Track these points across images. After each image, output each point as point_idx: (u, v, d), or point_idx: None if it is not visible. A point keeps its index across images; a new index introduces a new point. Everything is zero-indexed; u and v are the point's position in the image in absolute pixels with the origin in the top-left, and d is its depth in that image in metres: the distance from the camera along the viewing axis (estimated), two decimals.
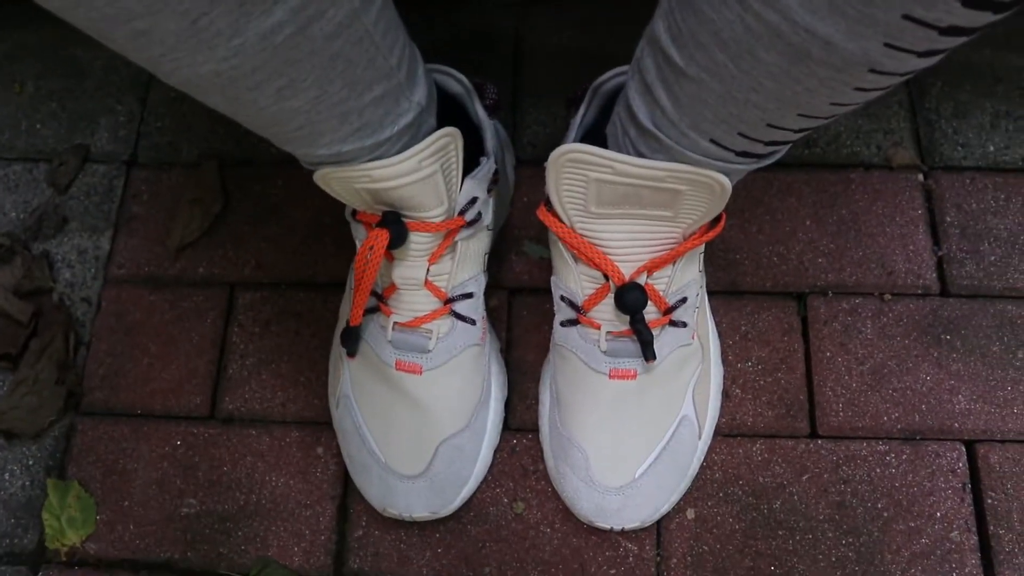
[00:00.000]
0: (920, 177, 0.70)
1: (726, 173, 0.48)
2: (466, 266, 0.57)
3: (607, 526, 0.57)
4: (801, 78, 0.37)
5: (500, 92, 0.62)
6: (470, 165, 0.57)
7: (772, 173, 0.70)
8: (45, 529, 0.62)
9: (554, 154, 0.49)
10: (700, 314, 0.59)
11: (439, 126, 0.51)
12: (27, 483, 0.64)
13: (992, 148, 0.71)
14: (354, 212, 0.56)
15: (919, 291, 0.66)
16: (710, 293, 0.65)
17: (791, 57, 0.36)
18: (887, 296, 0.66)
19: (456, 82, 0.59)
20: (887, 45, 0.33)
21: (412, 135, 0.50)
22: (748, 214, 0.69)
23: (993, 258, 0.67)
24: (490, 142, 0.60)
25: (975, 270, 0.66)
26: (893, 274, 0.66)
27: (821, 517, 0.59)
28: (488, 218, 0.58)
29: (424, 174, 0.50)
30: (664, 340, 0.56)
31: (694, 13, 0.39)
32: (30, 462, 0.65)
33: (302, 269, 0.69)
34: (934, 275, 0.66)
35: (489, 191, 0.58)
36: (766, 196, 0.69)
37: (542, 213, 0.53)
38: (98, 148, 0.76)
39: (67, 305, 0.70)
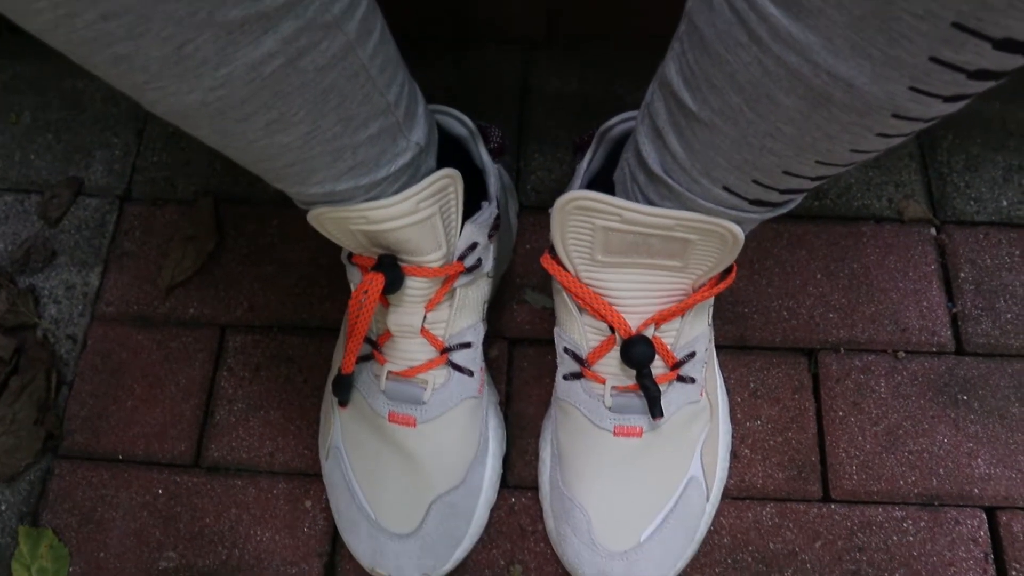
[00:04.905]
0: (932, 231, 0.68)
1: (739, 222, 0.46)
2: (464, 314, 0.55)
3: None
4: (821, 123, 0.35)
5: (504, 136, 0.61)
6: (471, 209, 0.55)
7: (782, 224, 0.68)
8: None
9: (560, 201, 0.47)
10: (708, 370, 0.57)
11: (440, 168, 0.49)
12: None
13: (1005, 203, 0.69)
14: (350, 255, 0.54)
15: (934, 349, 0.63)
16: (717, 347, 0.63)
17: (811, 101, 0.34)
18: (901, 354, 0.63)
19: (460, 124, 0.57)
20: (913, 89, 0.32)
21: (410, 176, 0.48)
22: (757, 266, 0.67)
23: (1009, 315, 0.65)
24: (492, 186, 0.58)
25: (991, 328, 0.64)
26: (907, 331, 0.64)
27: None
28: (488, 265, 0.56)
29: (422, 216, 0.48)
30: (671, 396, 0.53)
31: (708, 55, 0.37)
32: (2, 507, 0.62)
33: (296, 312, 0.67)
34: (949, 332, 0.64)
35: (490, 236, 0.56)
36: (775, 248, 0.67)
37: (546, 261, 0.51)
38: (92, 182, 0.74)
39: (51, 342, 0.67)
